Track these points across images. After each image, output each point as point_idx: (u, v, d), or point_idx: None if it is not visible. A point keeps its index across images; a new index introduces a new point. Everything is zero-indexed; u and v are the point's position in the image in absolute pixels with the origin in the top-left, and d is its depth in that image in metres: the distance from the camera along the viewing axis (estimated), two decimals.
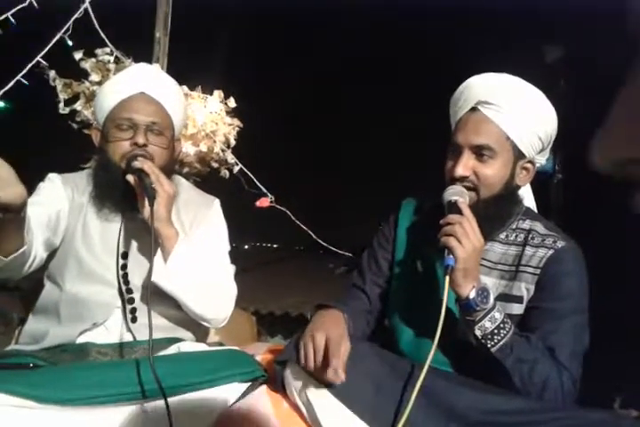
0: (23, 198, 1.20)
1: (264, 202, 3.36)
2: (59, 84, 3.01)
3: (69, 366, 1.39)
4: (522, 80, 1.40)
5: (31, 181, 1.39)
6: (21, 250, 1.36)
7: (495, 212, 1.40)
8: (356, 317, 1.46)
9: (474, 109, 1.39)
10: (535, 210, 1.55)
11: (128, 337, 1.55)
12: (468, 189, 1.37)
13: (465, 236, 1.25)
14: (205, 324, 1.65)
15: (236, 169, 3.33)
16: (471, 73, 1.45)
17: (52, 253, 1.60)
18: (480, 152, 1.36)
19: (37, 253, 1.51)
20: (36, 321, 1.59)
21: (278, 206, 3.40)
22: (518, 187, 1.44)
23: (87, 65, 3.01)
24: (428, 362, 1.13)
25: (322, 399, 1.25)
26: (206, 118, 3.22)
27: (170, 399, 1.26)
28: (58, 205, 1.59)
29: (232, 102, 3.32)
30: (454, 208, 1.31)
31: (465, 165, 1.36)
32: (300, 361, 1.26)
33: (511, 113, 1.35)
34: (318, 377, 1.24)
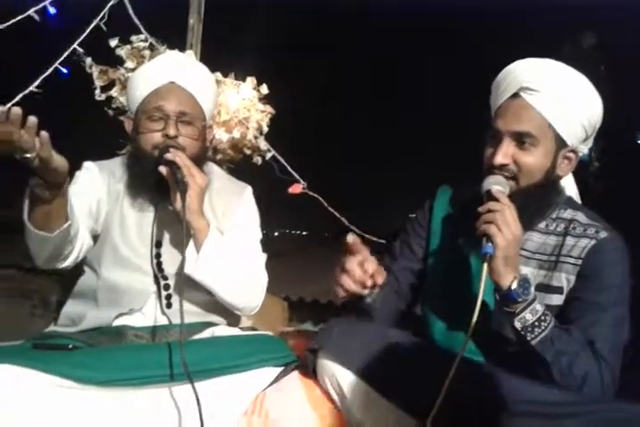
0: (66, 166, 1.28)
1: (297, 188, 3.37)
2: (95, 70, 3.05)
3: (108, 348, 1.42)
4: (566, 66, 1.35)
5: (71, 168, 1.42)
6: (65, 225, 1.38)
7: (535, 201, 1.36)
8: (385, 297, 1.45)
9: (515, 95, 1.35)
10: (578, 199, 1.51)
11: (163, 321, 1.58)
12: (508, 178, 1.34)
13: (505, 223, 1.23)
14: (237, 312, 1.67)
15: (269, 156, 3.34)
16: (508, 60, 1.41)
17: None
18: (521, 139, 1.32)
19: (85, 240, 1.54)
20: (75, 304, 1.63)
21: (311, 193, 3.40)
22: (559, 177, 1.40)
23: (122, 52, 3.03)
24: (461, 352, 1.12)
25: (353, 386, 1.25)
26: (239, 105, 3.22)
27: (203, 383, 1.30)
28: (97, 194, 1.61)
29: (265, 89, 3.31)
30: (493, 197, 1.28)
31: (505, 153, 1.32)
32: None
33: (554, 100, 1.31)
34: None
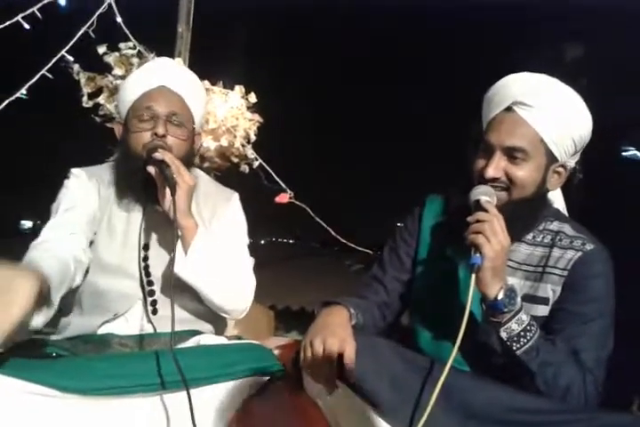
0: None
1: (283, 198, 3.37)
2: (82, 77, 3.04)
3: (92, 357, 1.41)
4: (559, 81, 1.36)
5: (58, 175, 1.41)
6: (51, 313, 1.34)
7: (524, 214, 1.37)
8: (369, 309, 1.46)
9: (508, 109, 1.35)
10: (565, 212, 1.53)
11: (149, 329, 1.57)
12: (500, 189, 1.34)
13: (493, 234, 1.23)
14: (224, 315, 1.66)
15: (256, 164, 3.34)
16: (493, 72, 1.43)
17: None
18: (513, 154, 1.33)
19: (85, 255, 1.53)
20: (58, 311, 1.61)
21: (297, 202, 3.40)
22: (548, 191, 1.42)
23: (110, 59, 3.03)
24: (449, 362, 1.13)
25: (338, 395, 1.25)
26: (227, 113, 3.23)
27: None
28: (91, 202, 1.61)
29: (253, 98, 3.32)
30: (481, 208, 1.29)
31: (496, 167, 1.33)
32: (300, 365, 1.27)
33: (547, 115, 1.33)
34: (318, 382, 1.25)
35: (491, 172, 1.33)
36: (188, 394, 1.24)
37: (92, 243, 1.61)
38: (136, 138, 1.56)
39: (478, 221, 1.26)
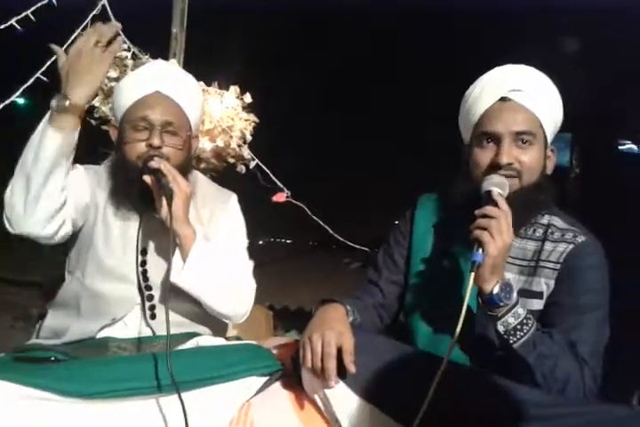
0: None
1: (280, 197, 3.38)
2: None
3: (91, 361, 1.40)
4: (535, 69, 1.43)
5: None
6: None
7: (535, 199, 1.38)
8: (367, 310, 1.47)
9: (504, 99, 1.38)
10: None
11: (147, 333, 1.57)
12: (512, 176, 1.35)
13: (499, 232, 1.23)
14: (225, 320, 1.66)
15: (253, 164, 3.34)
16: (487, 66, 1.45)
17: (72, 246, 1.63)
18: (520, 139, 1.35)
19: (67, 220, 1.52)
20: (57, 316, 1.61)
21: (294, 201, 3.41)
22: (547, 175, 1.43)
23: None
24: (447, 357, 1.13)
25: (338, 393, 1.26)
26: (223, 114, 3.22)
27: (188, 393, 1.29)
28: (81, 191, 1.59)
29: (248, 98, 3.32)
30: (492, 200, 1.28)
31: (509, 153, 1.34)
32: (300, 361, 1.28)
33: (542, 100, 1.38)
34: (317, 377, 1.25)
35: (504, 158, 1.34)
36: (180, 397, 1.24)
37: (75, 244, 1.61)
38: (131, 149, 1.54)
39: (485, 216, 1.26)
